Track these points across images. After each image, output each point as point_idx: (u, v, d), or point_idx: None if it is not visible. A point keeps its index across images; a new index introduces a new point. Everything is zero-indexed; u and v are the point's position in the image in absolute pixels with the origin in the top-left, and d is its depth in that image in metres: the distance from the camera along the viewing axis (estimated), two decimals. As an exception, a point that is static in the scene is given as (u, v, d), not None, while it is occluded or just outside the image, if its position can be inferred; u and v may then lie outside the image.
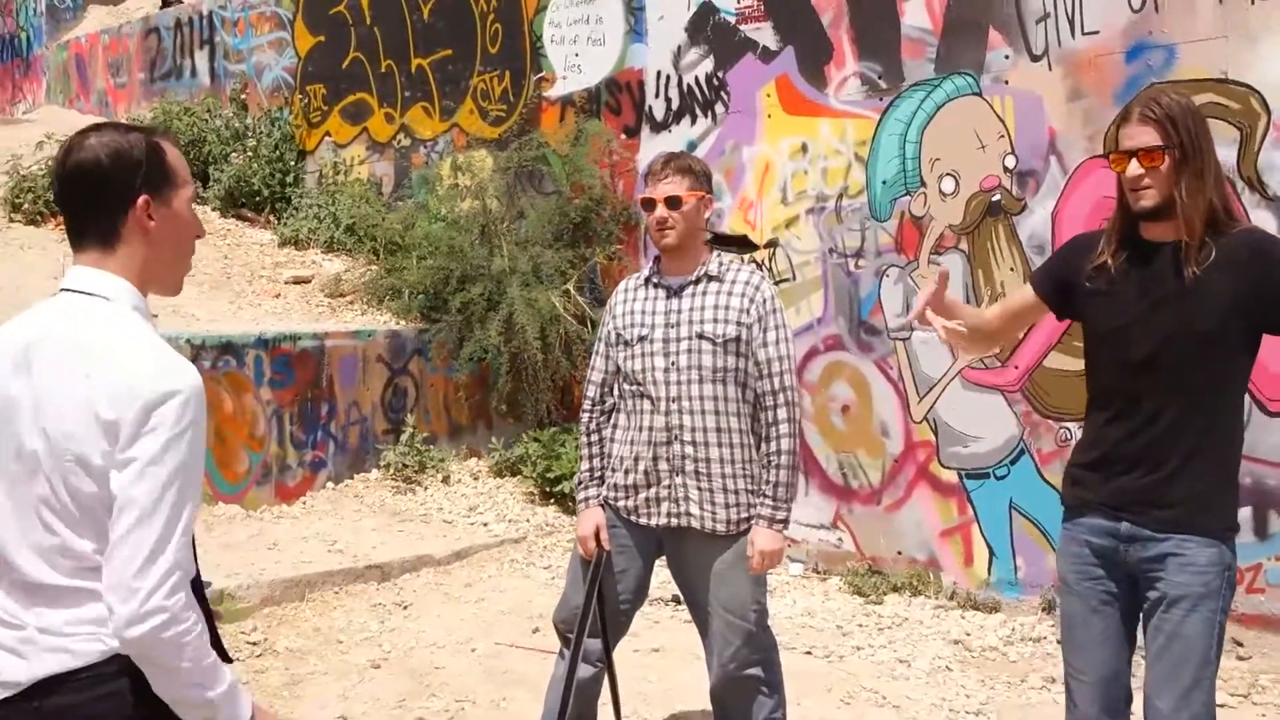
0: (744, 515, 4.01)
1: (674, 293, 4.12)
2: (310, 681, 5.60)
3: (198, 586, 2.38)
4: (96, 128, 2.39)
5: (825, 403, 7.36)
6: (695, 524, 4.03)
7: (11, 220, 10.17)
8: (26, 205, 10.22)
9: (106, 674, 2.26)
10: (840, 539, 7.26)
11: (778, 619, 6.41)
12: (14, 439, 2.28)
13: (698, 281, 4.11)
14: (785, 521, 3.99)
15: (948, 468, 6.83)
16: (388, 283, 9.27)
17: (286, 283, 9.95)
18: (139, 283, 2.41)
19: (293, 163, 11.43)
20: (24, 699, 2.28)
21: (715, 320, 4.03)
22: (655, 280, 4.19)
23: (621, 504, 4.14)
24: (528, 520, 7.97)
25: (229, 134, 11.70)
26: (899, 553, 7.01)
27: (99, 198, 2.33)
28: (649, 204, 4.10)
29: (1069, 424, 6.33)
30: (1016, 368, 6.54)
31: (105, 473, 2.20)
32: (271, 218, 11.21)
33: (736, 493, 4.01)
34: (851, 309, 7.24)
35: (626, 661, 5.65)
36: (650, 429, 4.06)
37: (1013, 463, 6.56)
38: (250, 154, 11.37)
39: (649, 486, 4.08)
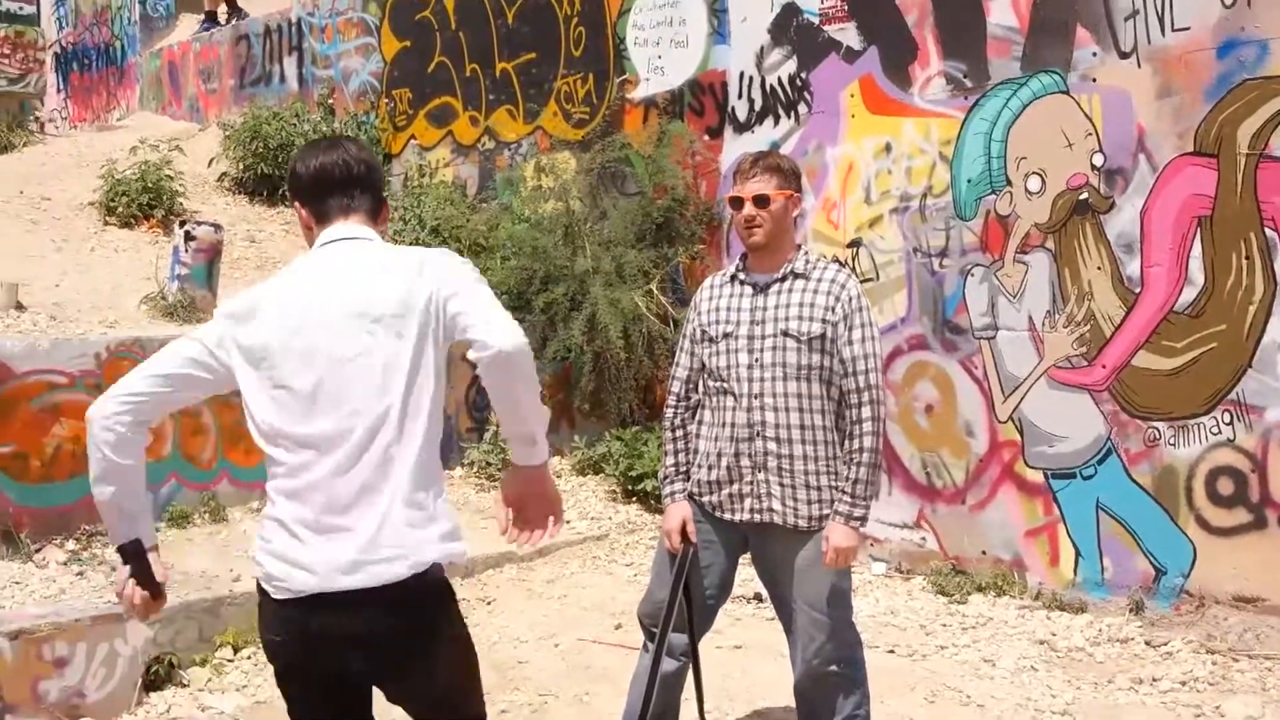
0: (826, 512, 4.00)
1: (760, 290, 4.12)
2: (397, 673, 5.67)
3: None
4: (343, 140, 3.23)
5: (909, 402, 7.32)
6: (778, 519, 4.03)
7: (106, 223, 10.40)
8: (120, 209, 10.45)
9: None
10: (924, 539, 7.22)
11: (860, 617, 6.39)
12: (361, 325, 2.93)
13: (784, 279, 4.10)
14: (863, 519, 3.98)
15: (1033, 467, 6.77)
16: (472, 283, 9.33)
17: (373, 284, 10.07)
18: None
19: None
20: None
21: (800, 318, 4.02)
22: (742, 277, 4.18)
23: (706, 499, 4.16)
24: (610, 518, 8.01)
25: (316, 138, 11.86)
26: (983, 552, 6.95)
27: (374, 183, 3.16)
28: (737, 202, 4.10)
29: (1157, 424, 6.26)
30: (1104, 366, 6.47)
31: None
32: (358, 220, 11.35)
33: (819, 489, 4.00)
34: (936, 308, 7.20)
35: (709, 658, 5.66)
36: (733, 425, 4.06)
37: (1100, 462, 6.49)
38: (337, 158, 11.51)
39: (732, 482, 4.08)
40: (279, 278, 3.10)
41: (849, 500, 3.95)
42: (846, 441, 4.02)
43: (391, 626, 2.86)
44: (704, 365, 4.19)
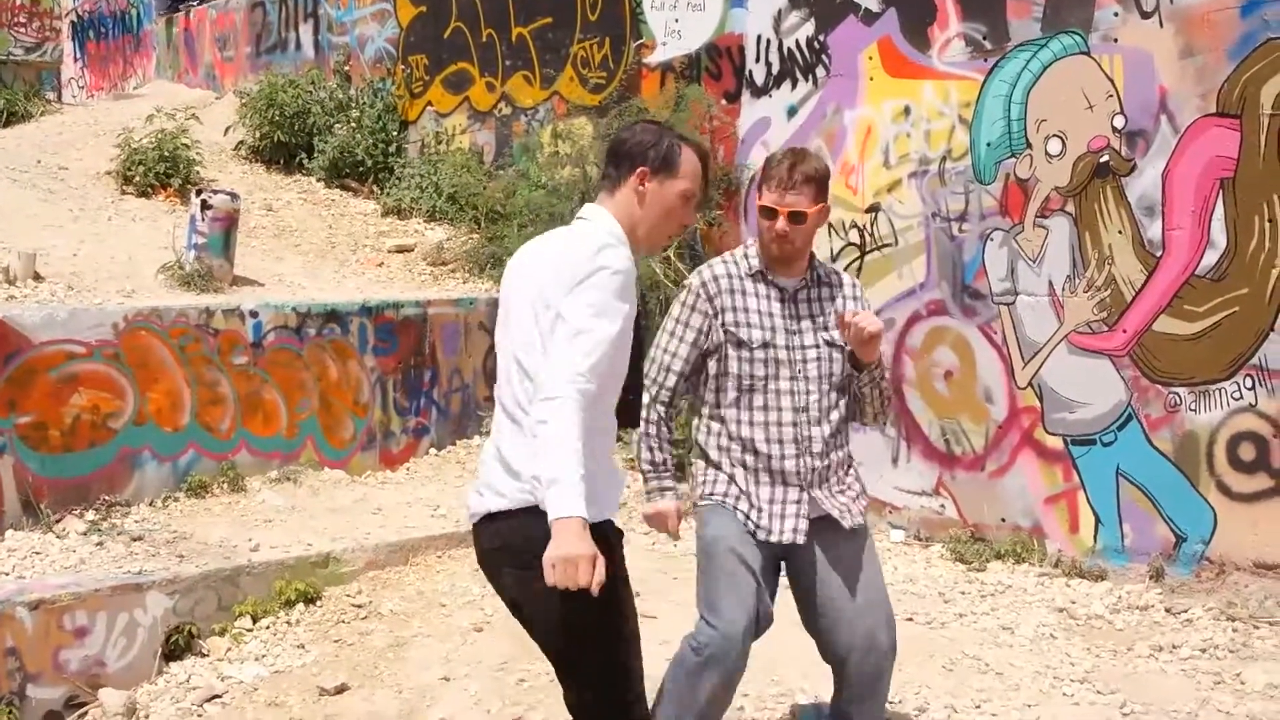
0: (863, 506, 4.03)
1: (789, 297, 3.98)
2: (414, 644, 5.69)
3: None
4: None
5: (928, 368, 7.28)
6: (837, 518, 3.93)
7: (123, 192, 10.40)
8: (137, 178, 10.44)
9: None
10: (942, 506, 7.19)
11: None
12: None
13: (811, 285, 4.01)
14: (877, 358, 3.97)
15: (1053, 434, 6.72)
16: (489, 251, 9.34)
17: (389, 252, 10.07)
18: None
19: (395, 133, 11.55)
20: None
21: (835, 326, 3.96)
22: (769, 278, 3.99)
23: (742, 516, 3.93)
24: (629, 486, 7.99)
25: (333, 105, 11.86)
26: (1002, 520, 6.92)
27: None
28: (769, 213, 3.88)
29: (1178, 389, 6.20)
30: (1125, 331, 6.41)
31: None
32: (374, 188, 11.35)
33: (851, 486, 4.02)
34: (955, 273, 7.15)
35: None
36: (774, 441, 3.91)
37: (1120, 428, 6.44)
38: (354, 125, 11.52)
39: (773, 502, 3.91)
40: None
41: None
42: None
43: None
44: (724, 370, 3.96)
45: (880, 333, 3.83)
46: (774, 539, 3.89)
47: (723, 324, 3.95)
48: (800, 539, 3.90)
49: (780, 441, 3.91)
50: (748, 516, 3.91)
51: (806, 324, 3.96)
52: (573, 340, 3.01)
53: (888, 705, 4.89)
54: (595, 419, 3.05)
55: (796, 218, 3.86)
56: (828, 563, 3.94)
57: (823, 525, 3.93)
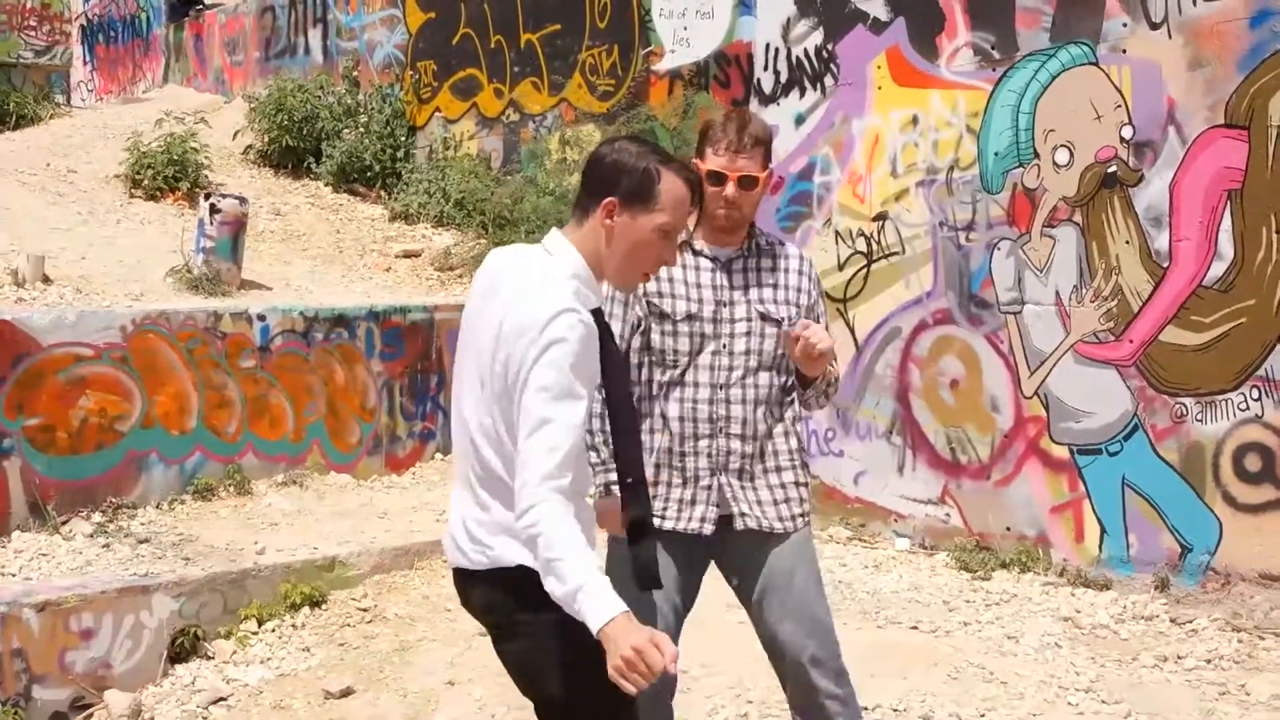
0: (798, 510, 3.63)
1: (722, 266, 3.63)
2: (419, 648, 5.70)
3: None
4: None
5: (934, 377, 7.28)
6: (750, 524, 3.57)
7: (132, 196, 10.42)
8: (146, 181, 10.47)
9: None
10: (948, 514, 7.19)
11: (883, 593, 6.39)
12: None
13: (749, 255, 3.65)
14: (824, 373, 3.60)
15: (1059, 443, 6.72)
16: (496, 257, 9.33)
17: (397, 256, 10.10)
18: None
19: (403, 138, 11.57)
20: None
21: (776, 300, 3.61)
22: (698, 247, 3.64)
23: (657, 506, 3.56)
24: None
25: (341, 110, 11.88)
26: (1007, 529, 6.92)
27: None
28: (717, 178, 3.52)
29: (1185, 399, 6.20)
30: (1131, 342, 6.41)
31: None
32: (382, 193, 11.37)
33: (784, 486, 3.61)
34: (962, 283, 7.15)
35: (725, 631, 5.68)
36: (687, 420, 3.56)
37: (1126, 439, 6.44)
38: (362, 130, 11.54)
39: (684, 485, 3.57)
40: None
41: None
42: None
43: None
44: (645, 344, 3.62)
45: (829, 350, 3.47)
46: (680, 528, 3.55)
47: (649, 298, 3.60)
48: (707, 529, 3.56)
49: (695, 420, 3.55)
50: (660, 507, 3.55)
51: (739, 294, 3.59)
52: (538, 434, 2.71)
53: (894, 711, 4.91)
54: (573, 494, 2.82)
55: (747, 183, 3.53)
56: (755, 569, 3.63)
57: (743, 524, 3.60)
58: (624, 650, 2.51)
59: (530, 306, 2.80)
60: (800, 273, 3.68)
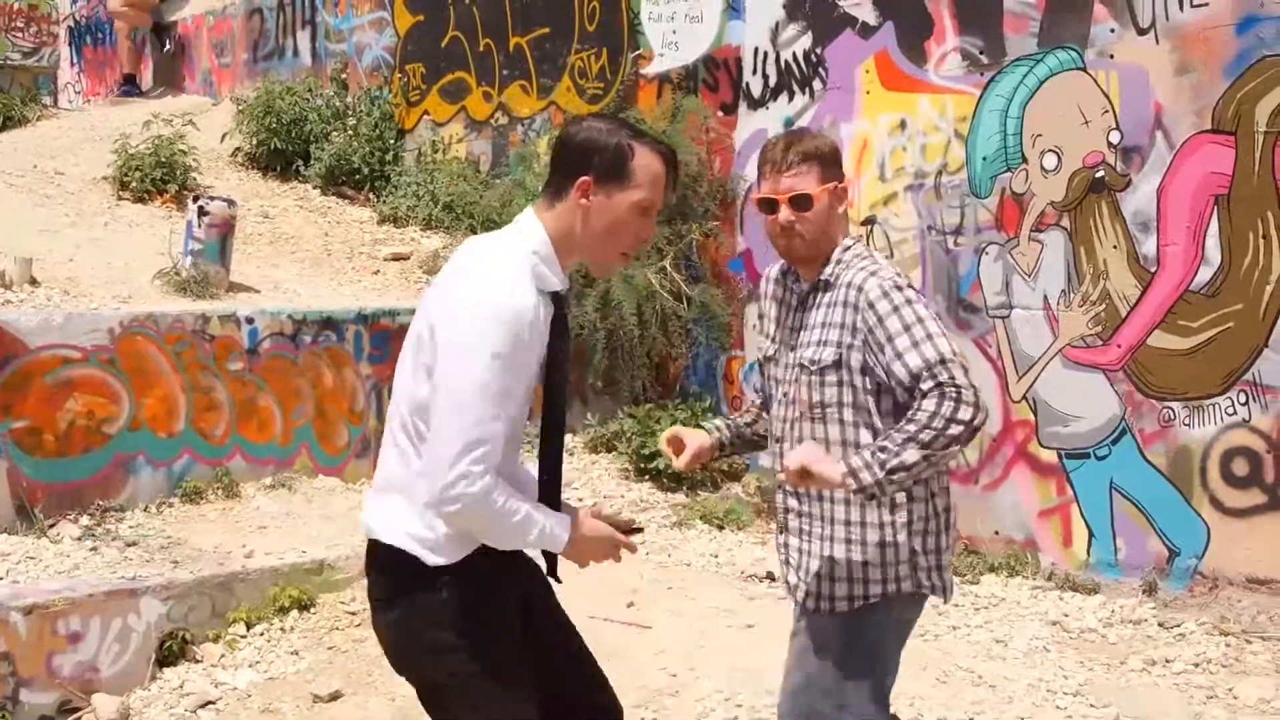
0: (843, 593, 3.21)
1: (801, 301, 3.32)
2: (408, 650, 5.68)
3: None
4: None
5: (922, 381, 7.28)
6: (800, 595, 3.30)
7: (120, 198, 10.38)
8: (134, 183, 10.42)
9: None
10: (936, 518, 7.19)
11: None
12: None
13: (818, 290, 3.26)
14: (859, 478, 2.98)
15: (1047, 448, 6.74)
16: (485, 260, 9.31)
17: (385, 259, 10.07)
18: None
19: (392, 141, 11.55)
20: None
21: (815, 343, 3.22)
22: (791, 281, 3.37)
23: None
24: (622, 496, 8.00)
25: (329, 113, 11.84)
26: (996, 533, 6.94)
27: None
28: (768, 204, 3.21)
29: (1172, 404, 6.23)
30: (1119, 346, 6.43)
31: None
32: (371, 195, 11.34)
33: (834, 560, 3.20)
34: (950, 287, 7.17)
35: (720, 637, 5.69)
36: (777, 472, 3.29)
37: (1114, 443, 6.46)
38: (350, 133, 11.51)
39: (784, 547, 3.40)
40: None
41: (868, 453, 3.03)
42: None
43: None
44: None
45: (804, 469, 3.02)
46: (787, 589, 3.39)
47: (763, 330, 3.45)
48: (798, 595, 3.31)
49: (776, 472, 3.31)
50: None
51: (800, 336, 3.27)
52: (453, 414, 2.77)
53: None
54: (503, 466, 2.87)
55: (799, 202, 3.16)
56: (792, 643, 3.38)
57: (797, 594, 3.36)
58: (587, 557, 3.03)
59: (477, 280, 2.84)
60: (845, 304, 3.17)
